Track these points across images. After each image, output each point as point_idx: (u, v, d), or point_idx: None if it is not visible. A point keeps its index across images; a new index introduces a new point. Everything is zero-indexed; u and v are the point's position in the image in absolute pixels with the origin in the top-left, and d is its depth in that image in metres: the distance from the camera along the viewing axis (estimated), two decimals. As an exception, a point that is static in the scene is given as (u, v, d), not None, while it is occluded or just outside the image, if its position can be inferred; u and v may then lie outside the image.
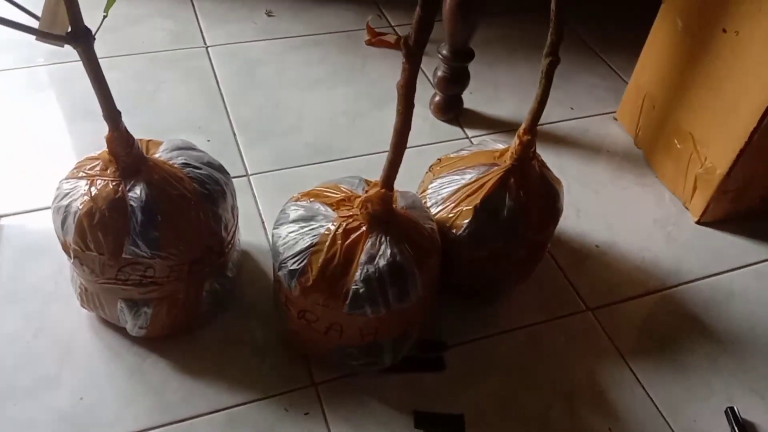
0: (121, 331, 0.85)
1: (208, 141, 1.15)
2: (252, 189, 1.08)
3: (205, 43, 1.37)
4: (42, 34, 0.64)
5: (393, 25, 1.50)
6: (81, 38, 0.65)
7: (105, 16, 0.68)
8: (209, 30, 1.41)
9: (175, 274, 0.79)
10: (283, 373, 0.84)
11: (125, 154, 0.75)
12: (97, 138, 1.13)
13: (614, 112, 1.34)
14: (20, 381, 0.81)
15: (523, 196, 0.85)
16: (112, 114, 0.72)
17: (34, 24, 0.65)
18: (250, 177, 1.10)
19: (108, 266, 0.76)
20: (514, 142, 0.85)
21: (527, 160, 0.86)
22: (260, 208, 1.05)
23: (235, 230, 0.88)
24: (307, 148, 1.17)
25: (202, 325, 0.87)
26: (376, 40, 1.43)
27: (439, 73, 1.21)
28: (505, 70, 1.41)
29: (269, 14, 1.47)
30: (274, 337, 0.88)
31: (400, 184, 0.75)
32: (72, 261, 0.79)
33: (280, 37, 1.42)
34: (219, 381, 0.82)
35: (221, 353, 0.85)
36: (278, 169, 1.13)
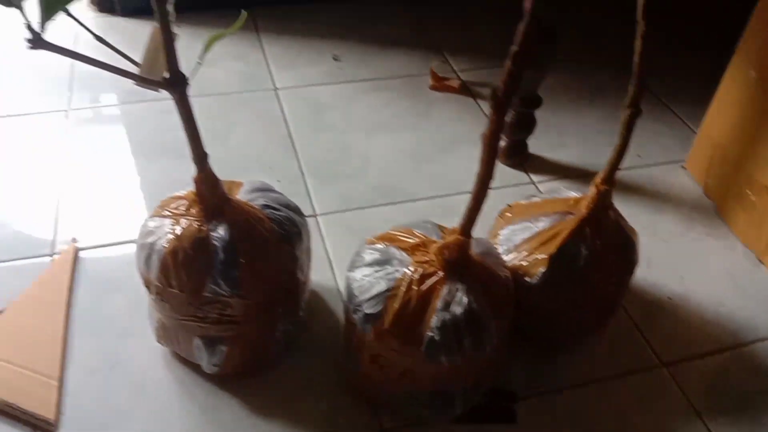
0: (193, 367, 0.87)
1: (279, 181, 1.17)
2: (320, 229, 1.10)
3: (274, 86, 1.42)
4: (141, 80, 0.67)
5: (456, 70, 1.52)
6: (177, 84, 0.68)
7: (200, 64, 0.71)
8: (278, 73, 1.45)
9: (251, 313, 0.80)
10: (351, 417, 0.84)
11: (211, 195, 0.77)
12: (169, 175, 1.19)
13: (682, 160, 1.32)
14: (95, 415, 0.82)
15: (599, 247, 0.84)
16: (200, 156, 0.74)
17: (128, 68, 0.68)
18: (318, 217, 1.12)
19: (188, 304, 0.78)
20: (591, 191, 0.85)
21: (603, 209, 0.85)
22: (328, 248, 1.07)
23: (308, 271, 0.89)
24: (373, 190, 1.19)
25: (273, 365, 0.88)
26: (440, 85, 1.45)
27: (507, 119, 1.22)
28: (569, 116, 1.41)
29: (336, 59, 1.51)
30: (343, 381, 0.87)
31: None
32: (153, 297, 0.81)
33: (346, 81, 1.46)
34: (289, 422, 0.82)
35: (291, 394, 0.86)
36: (345, 210, 1.14)
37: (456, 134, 1.34)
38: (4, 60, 1.46)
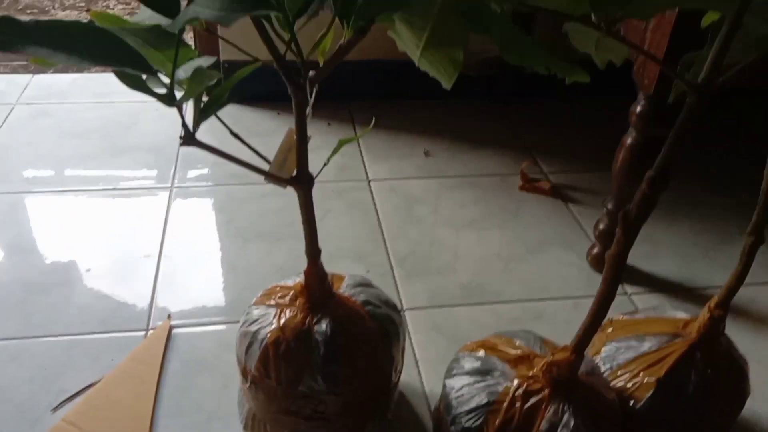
0: (278, 460, 0.85)
1: (368, 272, 1.18)
2: (407, 325, 1.08)
3: (367, 177, 1.45)
4: (271, 177, 0.70)
5: (546, 171, 1.53)
6: (304, 182, 0.70)
7: (325, 164, 0.74)
8: (372, 165, 1.49)
9: (344, 412, 0.78)
10: None
11: (318, 289, 0.78)
12: (265, 258, 1.22)
13: (784, 282, 1.26)
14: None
15: (710, 374, 0.80)
16: (314, 251, 0.75)
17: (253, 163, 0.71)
18: (405, 312, 1.11)
19: (282, 396, 0.77)
20: (703, 314, 0.81)
21: (716, 335, 0.81)
22: (414, 346, 1.05)
23: (401, 371, 0.87)
24: (460, 288, 1.17)
25: (358, 467, 0.85)
26: (529, 186, 1.45)
27: (602, 227, 1.20)
28: (664, 226, 1.38)
29: (427, 154, 1.54)
30: (429, 491, 0.84)
31: (552, 335, 0.72)
32: (248, 386, 0.81)
33: (436, 176, 1.48)
34: None
35: (374, 500, 0.82)
36: (433, 307, 1.13)
37: (545, 236, 1.32)
38: (116, 133, 1.56)
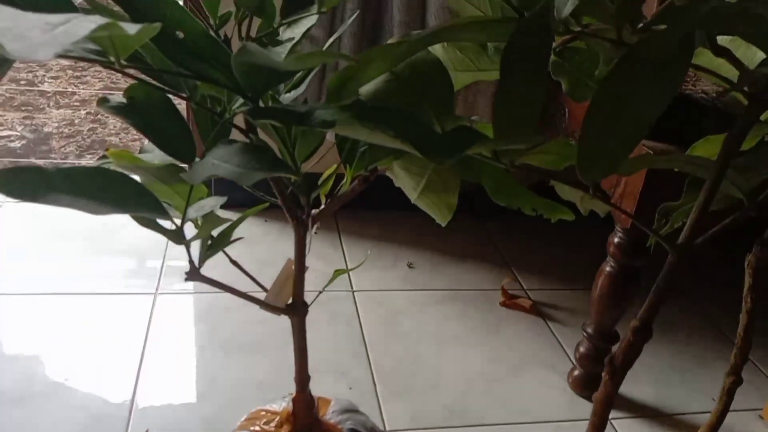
0: None
1: (350, 389, 1.17)
2: (389, 447, 1.07)
3: (351, 288, 1.47)
4: (265, 305, 0.72)
5: (526, 288, 1.56)
6: (299, 310, 0.71)
7: (320, 292, 0.75)
8: (356, 274, 1.51)
9: None
10: None
11: (305, 416, 0.77)
12: (244, 371, 1.20)
13: (759, 409, 1.27)
14: None
15: None
16: (303, 378, 0.76)
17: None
18: (387, 434, 1.10)
19: None
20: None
21: (699, 474, 0.82)
22: (396, 470, 1.03)
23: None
24: (443, 409, 1.17)
25: None
26: (510, 303, 1.48)
27: (582, 350, 1.22)
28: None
29: (411, 266, 1.57)
30: None
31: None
32: None
33: (420, 288, 1.50)
34: None
35: None
36: (415, 429, 1.12)
37: (527, 355, 1.33)
38: (101, 236, 1.57)
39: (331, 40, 0.69)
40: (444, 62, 0.75)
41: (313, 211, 0.66)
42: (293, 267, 0.69)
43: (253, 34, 0.60)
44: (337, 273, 0.73)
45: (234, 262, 0.73)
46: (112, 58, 0.41)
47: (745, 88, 0.50)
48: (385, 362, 1.26)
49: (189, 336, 1.27)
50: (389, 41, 0.53)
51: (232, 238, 0.63)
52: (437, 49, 0.73)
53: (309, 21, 0.60)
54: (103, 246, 1.53)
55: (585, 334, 1.21)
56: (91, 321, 1.28)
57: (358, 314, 1.39)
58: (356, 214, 1.76)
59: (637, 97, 0.49)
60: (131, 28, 0.32)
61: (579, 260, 1.71)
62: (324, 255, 1.56)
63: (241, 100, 0.53)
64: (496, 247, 1.73)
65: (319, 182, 0.68)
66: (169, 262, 1.49)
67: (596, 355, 1.21)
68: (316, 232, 1.67)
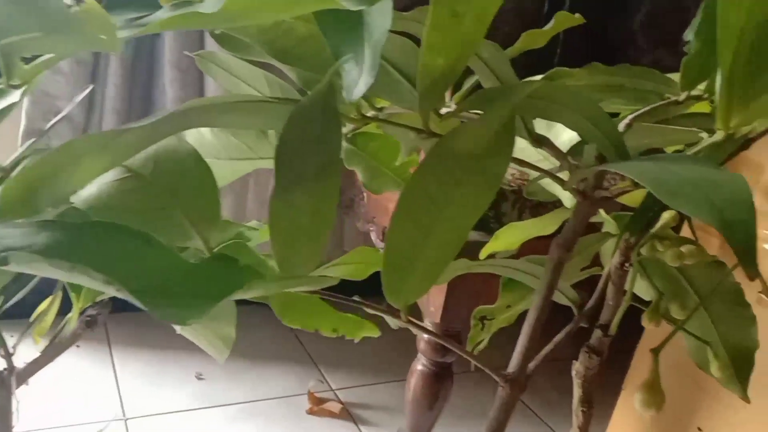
0: None
1: None
2: None
3: (124, 415, 1.20)
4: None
5: (334, 389, 1.41)
6: None
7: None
8: (131, 396, 1.24)
9: None
10: None
11: None
12: None
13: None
14: None
15: None
16: None
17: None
18: None
19: None
20: None
21: None
22: None
23: None
24: None
25: None
26: (318, 409, 1.32)
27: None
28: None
29: (200, 377, 1.35)
30: None
31: None
32: None
33: (211, 405, 1.28)
34: None
35: None
36: None
37: (340, 472, 1.17)
38: None
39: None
40: (216, 151, 0.60)
41: (20, 366, 0.45)
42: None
43: None
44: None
45: None
46: None
47: (574, 186, 0.41)
48: None
49: None
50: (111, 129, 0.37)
51: None
52: (205, 135, 0.58)
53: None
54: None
55: (401, 440, 1.08)
56: None
57: (133, 449, 1.13)
58: (130, 316, 1.49)
59: (452, 199, 0.37)
60: None
61: (389, 348, 1.60)
62: (87, 377, 1.26)
63: None
64: (301, 340, 1.57)
65: (31, 318, 0.48)
66: None
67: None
68: (78, 346, 1.37)
